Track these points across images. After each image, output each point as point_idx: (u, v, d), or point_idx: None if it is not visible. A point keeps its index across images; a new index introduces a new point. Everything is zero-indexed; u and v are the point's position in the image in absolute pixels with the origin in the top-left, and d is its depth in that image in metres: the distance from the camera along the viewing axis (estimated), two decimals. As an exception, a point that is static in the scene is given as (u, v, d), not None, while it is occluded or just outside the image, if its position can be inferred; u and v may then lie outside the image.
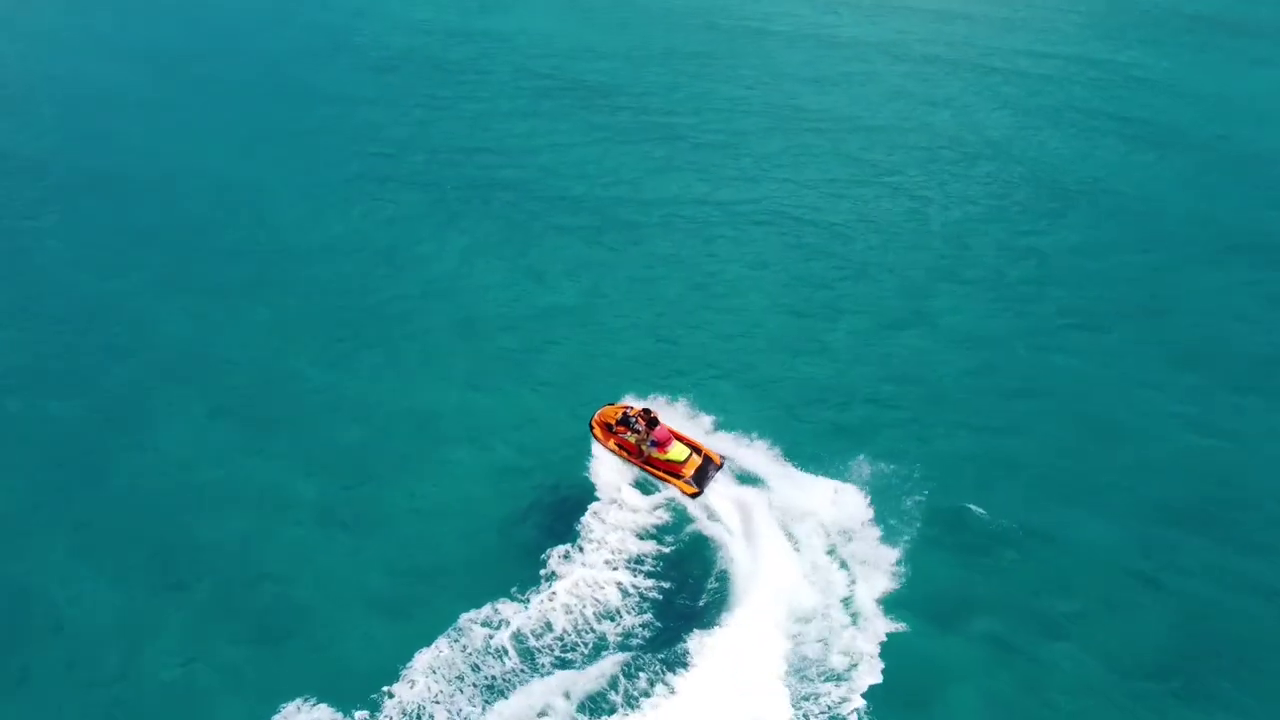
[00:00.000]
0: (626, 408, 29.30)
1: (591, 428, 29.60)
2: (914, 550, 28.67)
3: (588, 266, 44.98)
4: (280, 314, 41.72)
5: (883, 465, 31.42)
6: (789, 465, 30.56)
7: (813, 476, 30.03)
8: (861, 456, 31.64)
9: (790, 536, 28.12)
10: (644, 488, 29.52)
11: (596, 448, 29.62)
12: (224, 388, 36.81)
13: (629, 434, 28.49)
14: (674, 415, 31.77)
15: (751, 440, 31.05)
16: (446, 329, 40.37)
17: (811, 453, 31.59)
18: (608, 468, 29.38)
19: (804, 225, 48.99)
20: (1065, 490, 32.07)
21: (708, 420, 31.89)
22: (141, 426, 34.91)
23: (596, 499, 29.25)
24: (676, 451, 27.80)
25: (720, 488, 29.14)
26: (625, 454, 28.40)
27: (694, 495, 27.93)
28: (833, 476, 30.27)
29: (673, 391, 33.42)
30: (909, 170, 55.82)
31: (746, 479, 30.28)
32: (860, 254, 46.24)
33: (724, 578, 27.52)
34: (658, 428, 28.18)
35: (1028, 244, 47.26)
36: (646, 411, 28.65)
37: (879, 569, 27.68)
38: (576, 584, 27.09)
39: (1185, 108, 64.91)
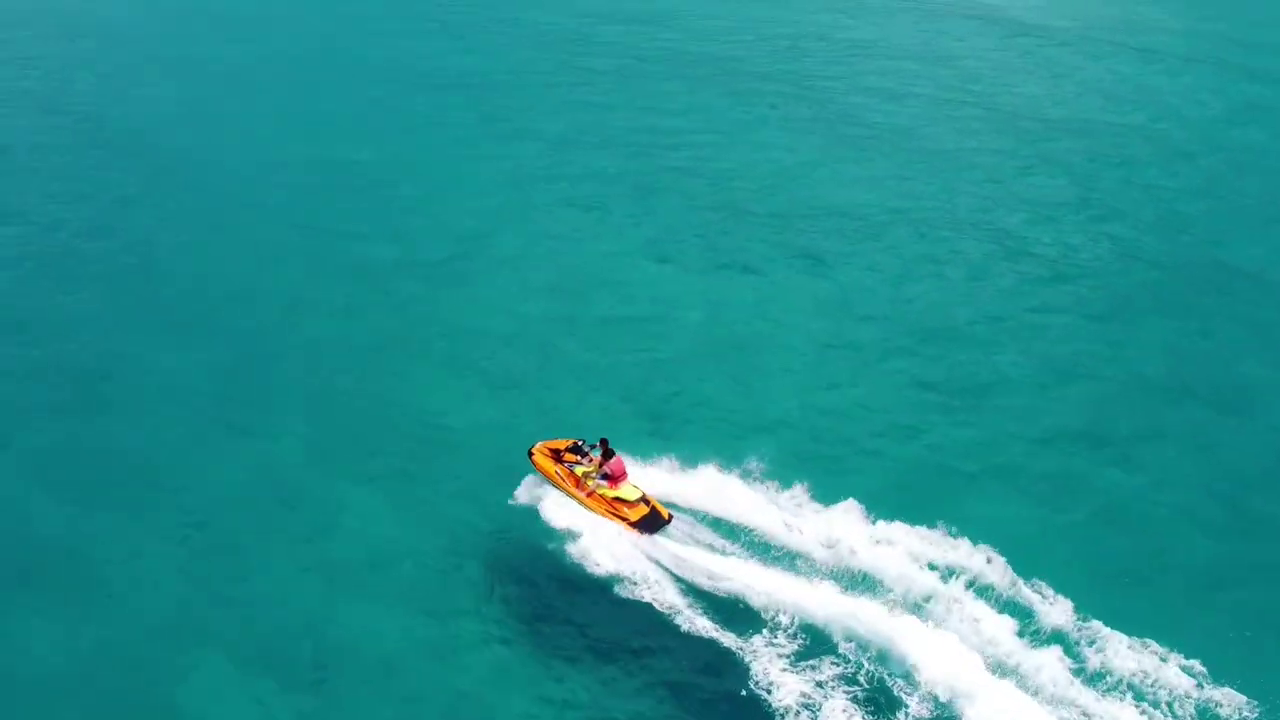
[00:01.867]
0: (578, 441, 26.34)
1: (531, 454, 26.20)
2: None
3: (775, 303, 36.85)
4: (417, 345, 34.09)
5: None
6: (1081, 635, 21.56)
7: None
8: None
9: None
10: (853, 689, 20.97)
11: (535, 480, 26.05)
12: (367, 444, 29.63)
13: (579, 463, 25.58)
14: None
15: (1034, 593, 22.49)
16: (615, 385, 32.12)
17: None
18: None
19: (1015, 253, 40.07)
20: None
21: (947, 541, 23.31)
22: (281, 494, 27.79)
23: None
24: (627, 491, 24.94)
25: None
26: (566, 485, 25.38)
27: (638, 531, 24.36)
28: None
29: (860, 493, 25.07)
30: (1108, 180, 46.92)
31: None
32: (1093, 301, 36.86)
33: None
34: (613, 460, 25.22)
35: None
36: (604, 441, 25.60)
37: None
38: None
39: None
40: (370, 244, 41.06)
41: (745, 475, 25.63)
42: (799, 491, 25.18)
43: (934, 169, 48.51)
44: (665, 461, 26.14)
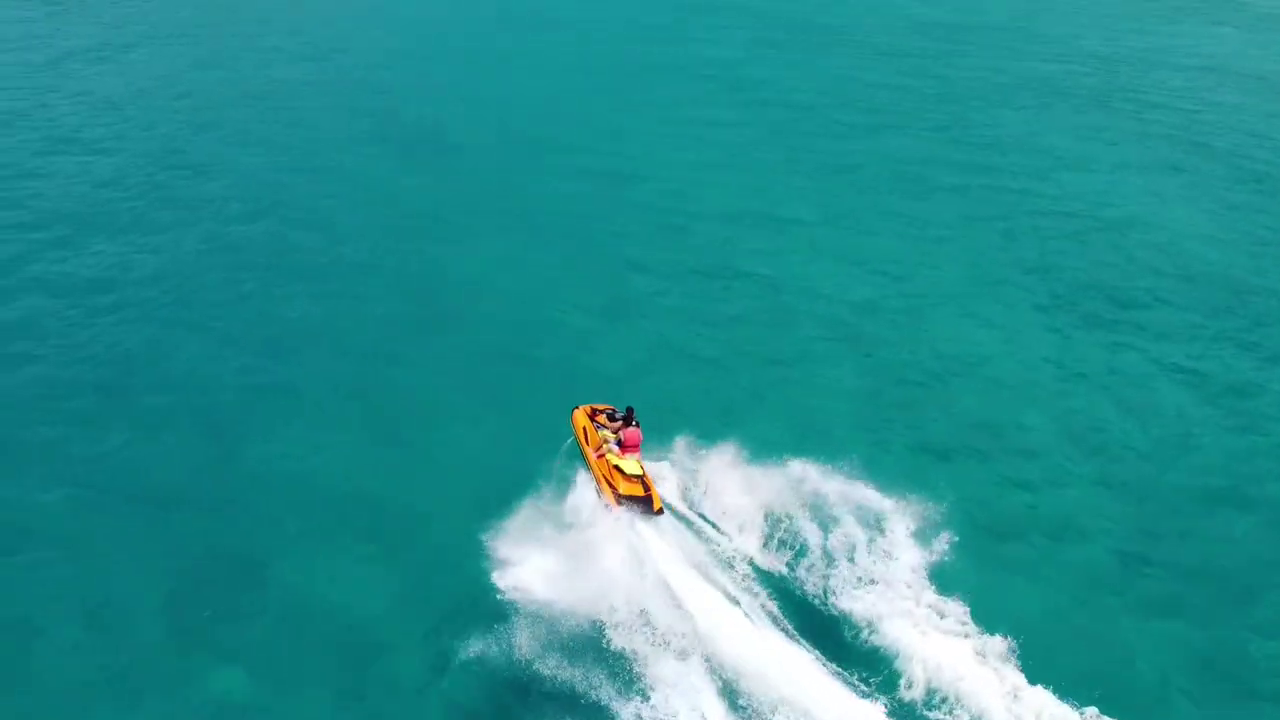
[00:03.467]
0: (614, 409, 26.61)
1: (575, 409, 27.03)
2: None
3: (1130, 416, 29.19)
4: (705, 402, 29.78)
5: None
6: None
7: None
8: None
9: None
10: None
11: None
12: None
13: (605, 427, 25.84)
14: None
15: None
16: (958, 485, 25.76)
17: None
18: None
19: None
20: None
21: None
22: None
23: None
24: (631, 464, 24.76)
25: None
26: (583, 439, 26.05)
27: (614, 504, 23.94)
28: None
29: None
30: None
31: None
32: None
33: None
34: (630, 429, 25.27)
35: None
36: (630, 410, 25.85)
37: None
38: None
39: None
40: (662, 283, 36.88)
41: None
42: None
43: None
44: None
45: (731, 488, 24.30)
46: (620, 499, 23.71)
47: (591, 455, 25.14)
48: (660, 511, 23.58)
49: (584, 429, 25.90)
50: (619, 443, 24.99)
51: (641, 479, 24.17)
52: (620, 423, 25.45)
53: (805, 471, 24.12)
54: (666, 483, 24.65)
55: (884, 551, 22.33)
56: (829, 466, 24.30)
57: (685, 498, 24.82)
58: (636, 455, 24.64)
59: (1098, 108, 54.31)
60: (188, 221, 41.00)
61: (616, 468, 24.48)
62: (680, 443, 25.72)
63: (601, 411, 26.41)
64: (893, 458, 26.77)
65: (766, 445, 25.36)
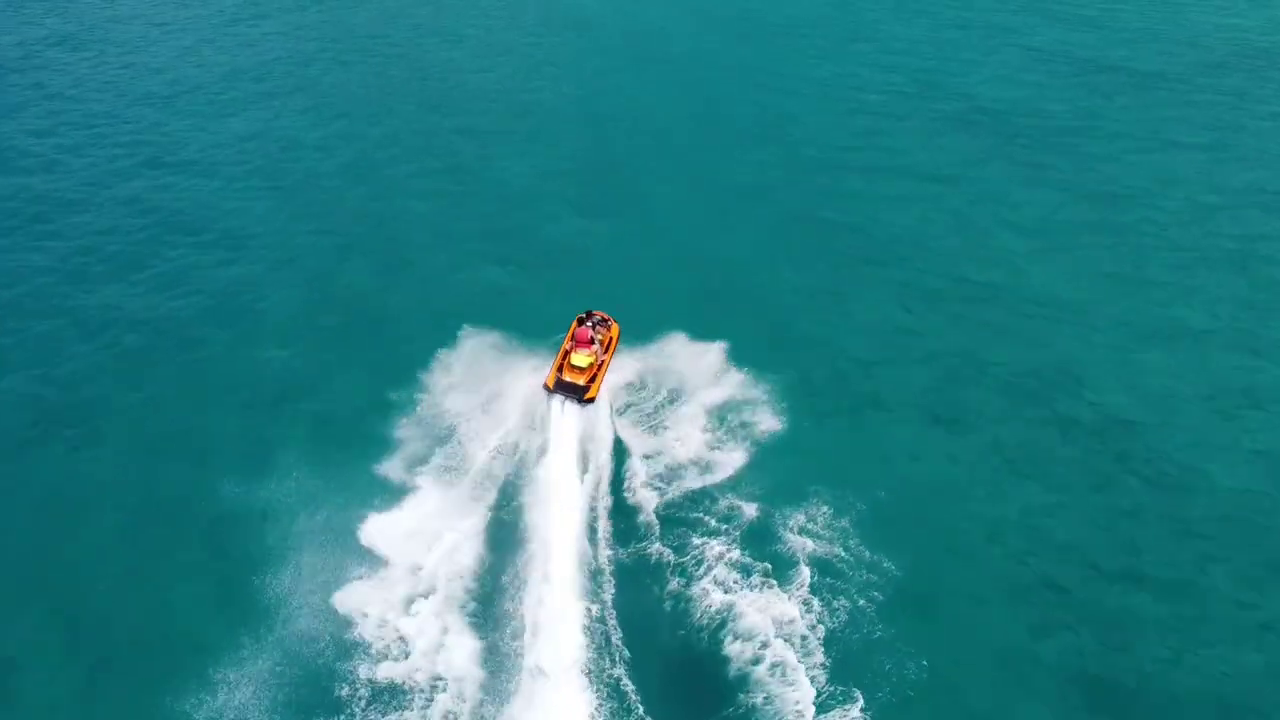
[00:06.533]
0: (601, 314, 31.35)
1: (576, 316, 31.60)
2: None
3: None
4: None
5: None
6: None
7: None
8: None
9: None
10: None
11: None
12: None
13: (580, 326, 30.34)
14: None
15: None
16: None
17: None
18: None
19: None
20: None
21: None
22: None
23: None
24: (580, 357, 28.92)
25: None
26: (568, 339, 30.00)
27: (547, 388, 28.76)
28: None
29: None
30: None
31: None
32: None
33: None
34: (580, 328, 29.85)
35: None
36: (590, 313, 30.87)
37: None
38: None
39: None
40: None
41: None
42: None
43: None
44: None
45: None
46: (556, 382, 28.53)
47: (565, 348, 29.74)
48: (591, 400, 28.33)
49: (572, 330, 30.51)
50: (575, 340, 29.64)
51: (586, 370, 28.63)
52: (577, 323, 30.46)
53: None
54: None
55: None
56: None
57: None
58: (588, 350, 29.01)
59: None
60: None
61: (569, 358, 29.04)
62: None
63: (590, 315, 31.47)
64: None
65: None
